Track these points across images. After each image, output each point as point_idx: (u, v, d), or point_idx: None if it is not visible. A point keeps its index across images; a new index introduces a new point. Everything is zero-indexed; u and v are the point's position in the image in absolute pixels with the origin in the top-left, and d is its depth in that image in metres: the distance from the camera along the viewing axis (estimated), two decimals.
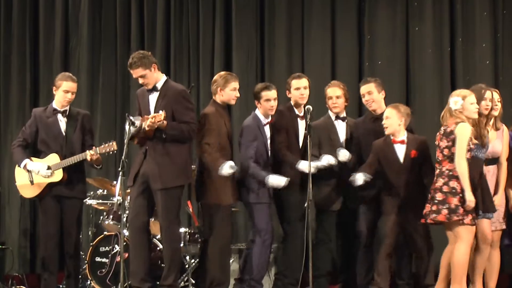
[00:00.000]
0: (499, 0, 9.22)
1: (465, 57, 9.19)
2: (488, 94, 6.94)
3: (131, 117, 6.86)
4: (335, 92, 7.56)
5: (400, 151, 7.16)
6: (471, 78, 8.98)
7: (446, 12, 9.27)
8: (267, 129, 7.39)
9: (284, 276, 7.45)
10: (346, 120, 7.64)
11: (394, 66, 9.29)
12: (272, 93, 7.33)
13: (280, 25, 9.66)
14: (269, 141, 7.37)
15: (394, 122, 7.11)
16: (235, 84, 7.30)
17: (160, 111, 6.82)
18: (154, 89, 7.09)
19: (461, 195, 6.53)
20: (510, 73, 9.17)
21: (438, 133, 6.78)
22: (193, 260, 8.10)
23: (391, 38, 9.35)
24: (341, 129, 7.58)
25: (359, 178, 7.04)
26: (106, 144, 7.36)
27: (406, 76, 9.29)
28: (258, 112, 7.40)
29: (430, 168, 6.99)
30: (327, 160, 7.18)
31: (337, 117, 7.58)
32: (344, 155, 7.25)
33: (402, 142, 7.15)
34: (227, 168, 6.98)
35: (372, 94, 7.52)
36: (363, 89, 7.58)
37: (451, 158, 6.60)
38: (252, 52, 9.72)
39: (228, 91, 7.27)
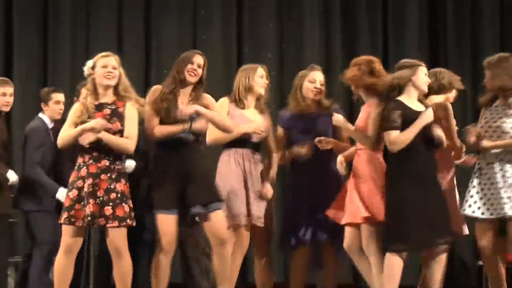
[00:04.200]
0: (285, 11, 9.42)
1: None
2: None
3: None
4: None
5: None
6: None
7: (233, 21, 9.36)
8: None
9: None
10: None
11: None
12: (61, 96, 7.24)
13: (64, 28, 9.34)
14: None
15: None
16: None
17: None
18: None
19: None
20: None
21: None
22: None
23: (178, 46, 9.26)
24: None
25: None
26: None
27: None
28: (44, 116, 7.19)
29: None
30: None
31: None
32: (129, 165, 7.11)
33: None
34: (13, 176, 6.84)
35: None
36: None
37: None
38: (34, 57, 9.35)
39: None
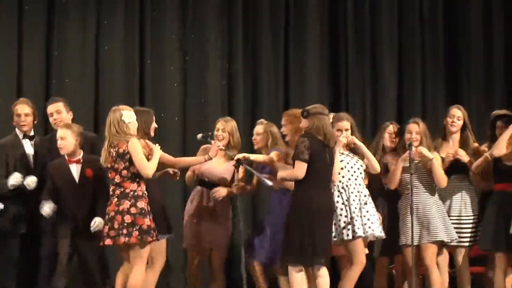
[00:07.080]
0: (188, 24, 9.49)
1: (154, 79, 9.30)
2: None
3: None
4: (23, 110, 7.43)
5: (75, 170, 7.08)
6: (160, 99, 9.15)
7: (136, 33, 9.32)
8: None
9: None
10: (34, 139, 7.47)
11: (82, 85, 9.12)
12: None
13: None
14: None
15: (70, 142, 7.03)
16: None
17: None
18: None
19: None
20: (197, 96, 9.47)
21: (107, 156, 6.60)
22: None
23: (80, 56, 9.18)
24: (29, 147, 7.42)
25: (46, 210, 6.89)
26: None
27: (95, 95, 9.15)
28: None
29: (103, 186, 6.95)
30: (14, 179, 7.04)
31: (25, 135, 7.40)
32: (30, 181, 7.09)
33: (77, 161, 7.08)
34: None
35: (61, 114, 7.44)
36: (51, 108, 7.48)
37: (132, 178, 6.55)
38: None
39: None
